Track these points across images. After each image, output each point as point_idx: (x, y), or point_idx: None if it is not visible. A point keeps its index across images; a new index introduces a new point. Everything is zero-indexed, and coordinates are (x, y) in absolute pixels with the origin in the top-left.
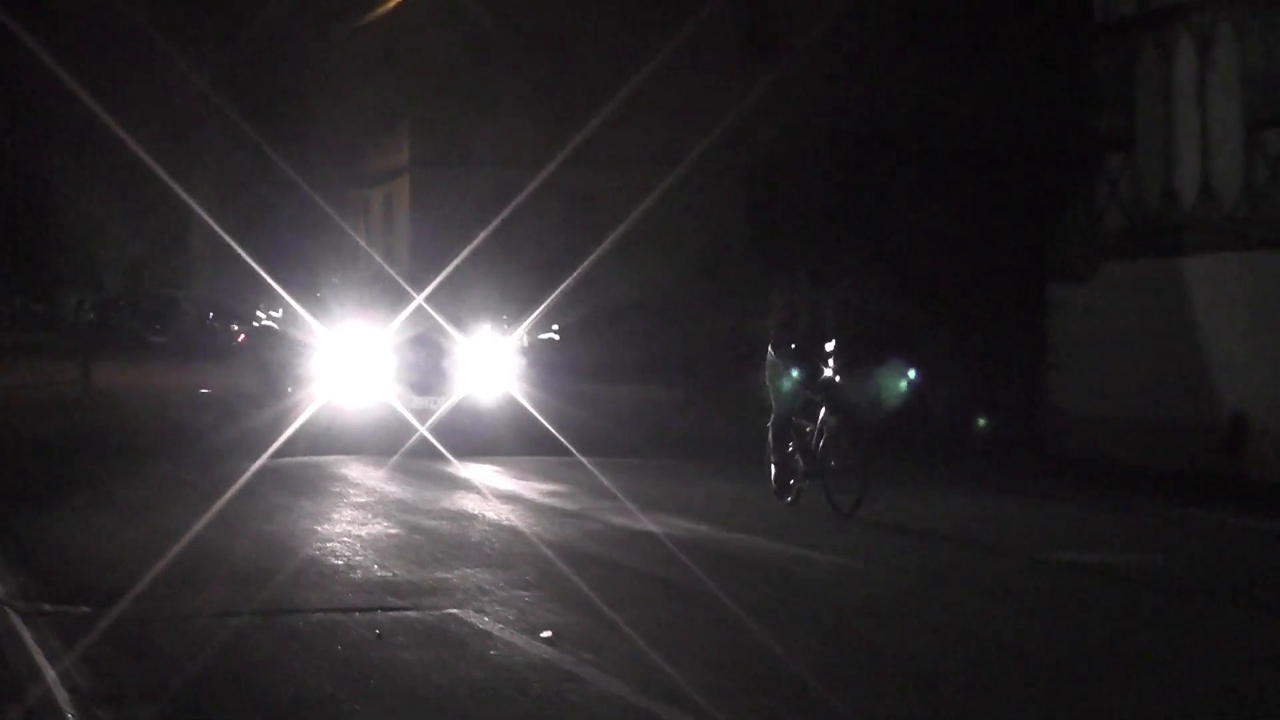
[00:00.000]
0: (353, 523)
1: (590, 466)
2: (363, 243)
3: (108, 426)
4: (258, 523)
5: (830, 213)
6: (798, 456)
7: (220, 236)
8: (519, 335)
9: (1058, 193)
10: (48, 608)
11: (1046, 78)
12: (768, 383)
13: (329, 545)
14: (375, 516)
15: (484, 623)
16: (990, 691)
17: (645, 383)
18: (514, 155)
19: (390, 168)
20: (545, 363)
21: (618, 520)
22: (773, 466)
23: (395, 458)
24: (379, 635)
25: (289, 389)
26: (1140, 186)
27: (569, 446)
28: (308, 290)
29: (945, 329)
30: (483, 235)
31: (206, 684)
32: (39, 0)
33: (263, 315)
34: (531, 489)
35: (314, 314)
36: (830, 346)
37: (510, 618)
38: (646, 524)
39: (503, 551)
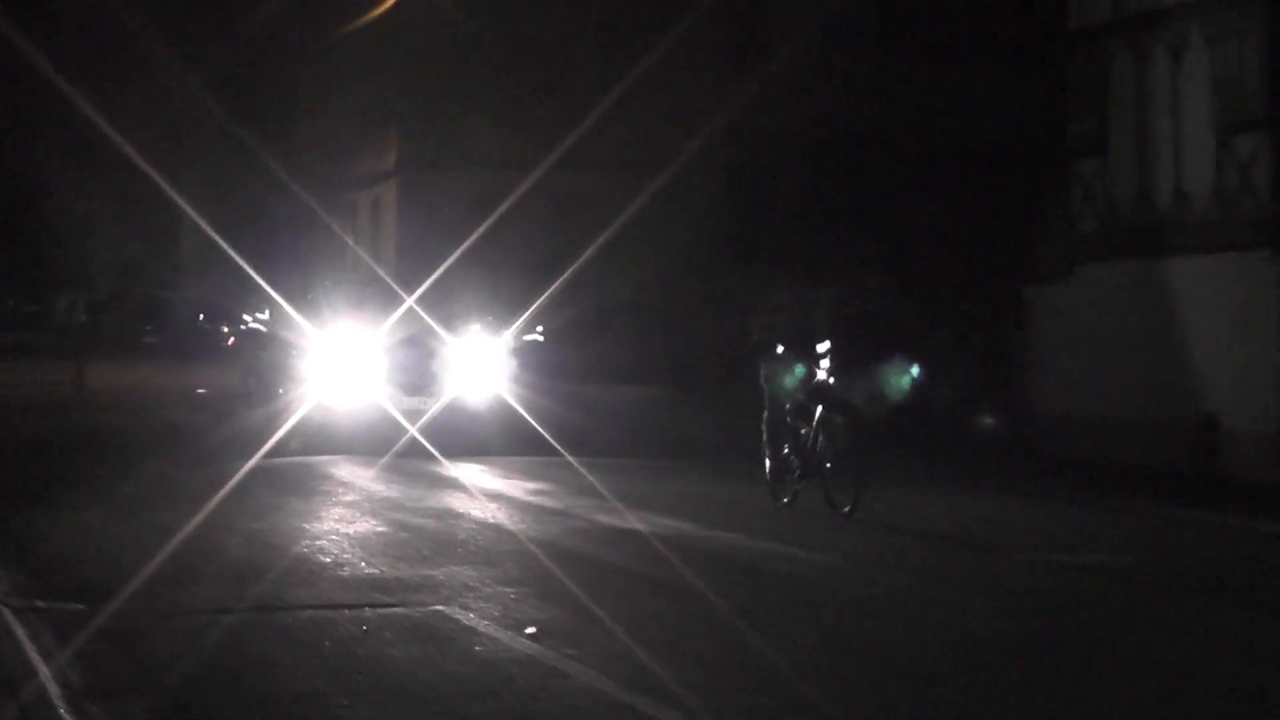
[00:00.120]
0: (341, 521)
1: (579, 466)
2: (356, 244)
3: (101, 426)
4: (249, 521)
5: (813, 213)
6: (794, 458)
7: (211, 238)
8: (508, 337)
9: (1034, 196)
10: (41, 604)
11: (1023, 83)
12: (762, 384)
13: (318, 543)
14: (363, 515)
15: (469, 619)
16: (988, 690)
17: (635, 383)
18: (501, 158)
19: (378, 170)
20: (535, 364)
21: (604, 519)
22: (768, 467)
23: (386, 458)
24: (366, 631)
25: (280, 390)
26: (1114, 190)
27: (558, 447)
28: (299, 291)
29: (945, 328)
30: (474, 237)
31: (198, 680)
32: (33, 4)
33: (248, 319)
34: (519, 488)
35: (305, 315)
36: (825, 346)
37: (495, 614)
38: (633, 523)
39: (488, 549)
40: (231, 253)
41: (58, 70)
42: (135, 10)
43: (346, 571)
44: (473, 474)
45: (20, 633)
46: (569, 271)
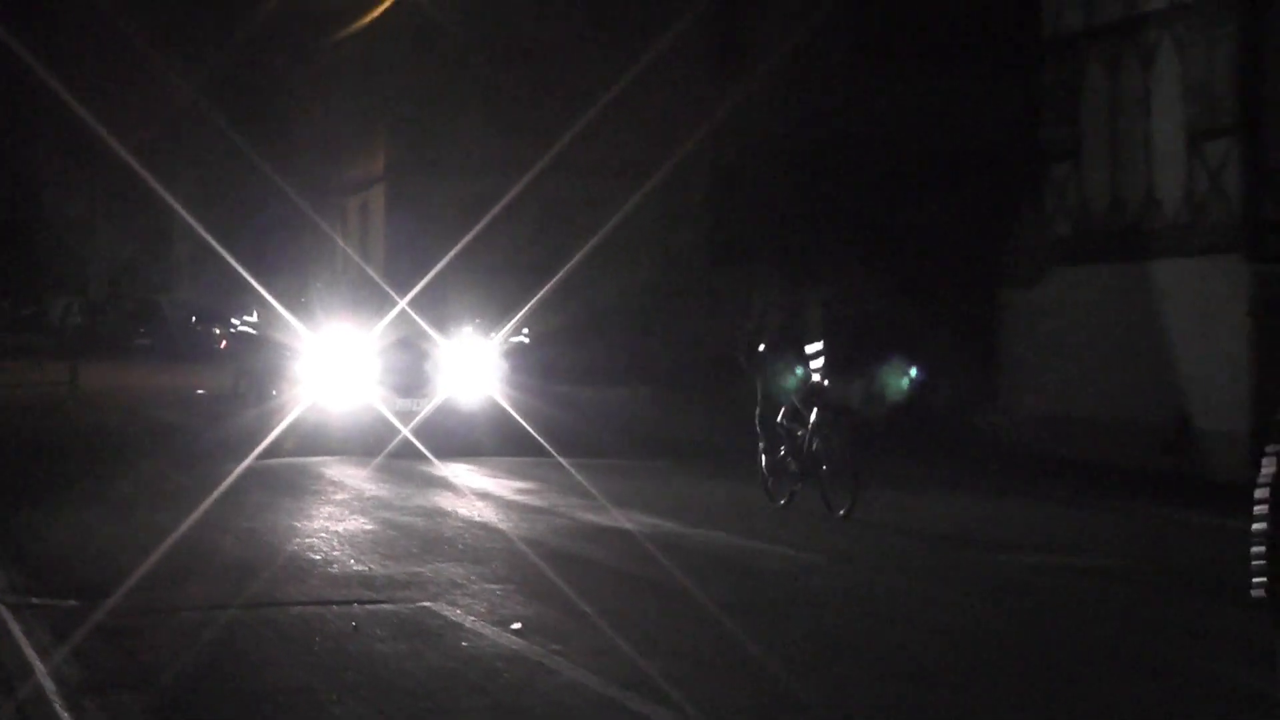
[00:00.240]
0: (332, 519)
1: (569, 467)
2: (346, 248)
3: (95, 427)
4: (242, 520)
5: (796, 216)
6: (790, 459)
7: (203, 241)
8: (499, 339)
9: (1009, 200)
10: (36, 601)
11: (997, 90)
12: (756, 384)
13: (308, 541)
14: (353, 513)
15: (456, 615)
16: (986, 691)
17: (627, 385)
18: (489, 163)
19: (366, 176)
20: (526, 366)
21: (592, 518)
22: (764, 468)
23: (379, 459)
24: (355, 627)
25: (274, 391)
26: (1088, 195)
27: (548, 448)
28: (293, 294)
29: (928, 330)
30: (465, 240)
31: (192, 675)
32: (28, 11)
33: (236, 322)
34: (508, 487)
35: (298, 317)
36: (817, 347)
37: (482, 610)
38: (621, 522)
39: (476, 547)
40: (225, 254)
41: (54, 75)
42: (131, 15)
43: (336, 569)
44: (463, 474)
45: (16, 630)
46: (560, 275)
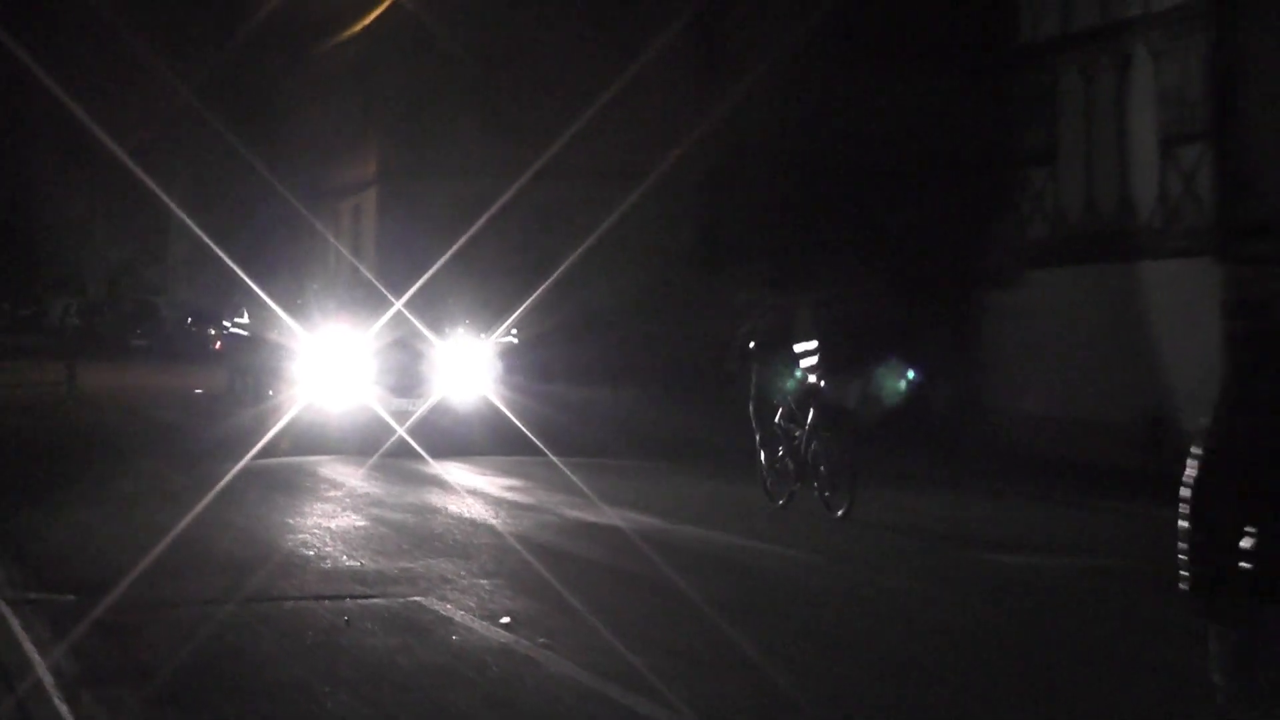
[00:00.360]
0: (325, 517)
1: (562, 466)
2: (343, 250)
3: (94, 426)
4: (238, 518)
5: (783, 220)
6: (788, 460)
7: (199, 242)
8: (492, 340)
9: (986, 204)
10: (35, 597)
11: (975, 96)
12: (750, 384)
13: (302, 538)
14: (346, 511)
15: (446, 609)
16: (985, 690)
17: (620, 386)
18: (480, 167)
19: (359, 180)
20: (521, 366)
21: (583, 515)
22: (763, 468)
23: (374, 458)
24: (348, 622)
25: (270, 392)
26: (1063, 198)
27: (542, 447)
28: (289, 295)
29: (912, 331)
30: (458, 244)
31: (188, 669)
32: (27, 12)
33: (228, 323)
34: (500, 485)
35: (295, 318)
36: (808, 347)
37: (471, 605)
38: (612, 519)
39: (466, 543)
40: (222, 255)
41: (52, 76)
42: (129, 17)
43: (329, 565)
44: (457, 472)
45: (15, 625)
46: (553, 276)
